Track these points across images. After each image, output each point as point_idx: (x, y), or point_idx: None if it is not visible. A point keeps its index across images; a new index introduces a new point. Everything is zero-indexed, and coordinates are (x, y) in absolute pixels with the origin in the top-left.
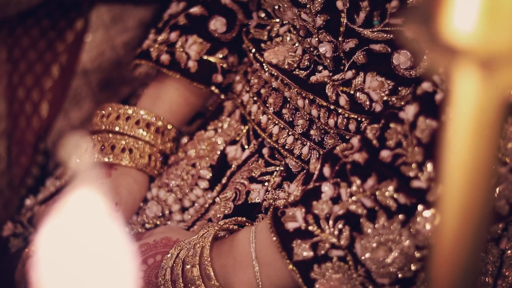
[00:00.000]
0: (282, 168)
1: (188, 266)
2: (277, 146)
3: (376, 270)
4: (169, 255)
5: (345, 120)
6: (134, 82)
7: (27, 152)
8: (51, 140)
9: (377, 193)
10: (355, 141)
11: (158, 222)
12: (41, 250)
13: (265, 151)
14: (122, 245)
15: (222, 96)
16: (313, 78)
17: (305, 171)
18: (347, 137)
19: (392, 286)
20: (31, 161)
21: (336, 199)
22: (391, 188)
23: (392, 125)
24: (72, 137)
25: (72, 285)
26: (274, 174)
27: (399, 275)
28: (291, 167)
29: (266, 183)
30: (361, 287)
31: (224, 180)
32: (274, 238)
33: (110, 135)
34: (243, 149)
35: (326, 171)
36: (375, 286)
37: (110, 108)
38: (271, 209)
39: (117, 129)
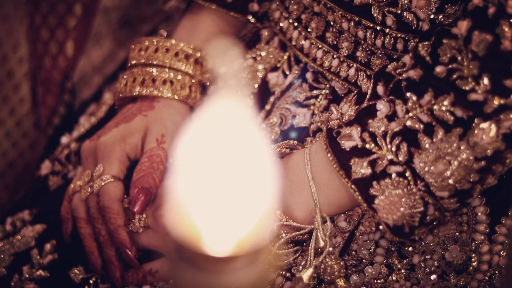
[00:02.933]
0: (327, 91)
1: None
2: (321, 70)
3: (436, 183)
4: None
5: (392, 39)
6: (153, 20)
7: (53, 92)
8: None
9: (434, 107)
10: (407, 59)
11: None
12: (180, 160)
13: (308, 75)
14: (263, 152)
15: (259, 25)
16: (357, 0)
17: (354, 92)
18: (394, 57)
19: (450, 199)
20: (58, 100)
21: (392, 116)
22: (447, 102)
23: (445, 41)
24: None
25: (212, 194)
26: (320, 97)
27: (458, 187)
28: (337, 89)
29: (312, 107)
30: (421, 201)
31: (268, 107)
32: (331, 158)
33: (150, 68)
34: (285, 75)
35: (380, 89)
36: (435, 199)
37: (147, 42)
38: (325, 130)
39: (156, 62)
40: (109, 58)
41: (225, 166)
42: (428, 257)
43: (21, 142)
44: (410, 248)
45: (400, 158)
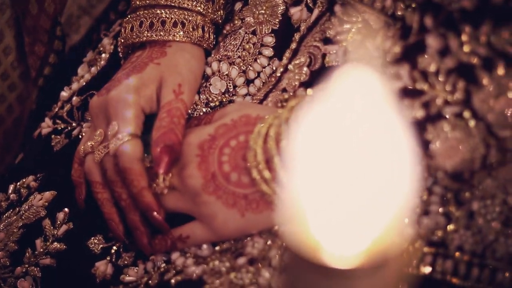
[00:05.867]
0: (360, 26)
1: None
2: (353, 2)
3: (497, 122)
4: (254, 135)
5: None
6: None
7: (41, 40)
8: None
9: (492, 39)
10: None
11: (224, 100)
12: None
13: (337, 8)
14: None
15: None
16: None
17: (394, 25)
18: None
19: None
20: (47, 48)
21: (444, 52)
22: (508, 33)
23: None
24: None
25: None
26: (352, 32)
27: None
28: (371, 22)
29: (344, 43)
30: (482, 144)
31: (293, 45)
32: None
33: (157, 10)
34: (310, 10)
35: (429, 22)
36: (497, 140)
37: None
38: None
39: (163, 2)
40: None
41: (350, 162)
42: (488, 202)
43: (8, 95)
44: (467, 194)
45: (457, 97)
